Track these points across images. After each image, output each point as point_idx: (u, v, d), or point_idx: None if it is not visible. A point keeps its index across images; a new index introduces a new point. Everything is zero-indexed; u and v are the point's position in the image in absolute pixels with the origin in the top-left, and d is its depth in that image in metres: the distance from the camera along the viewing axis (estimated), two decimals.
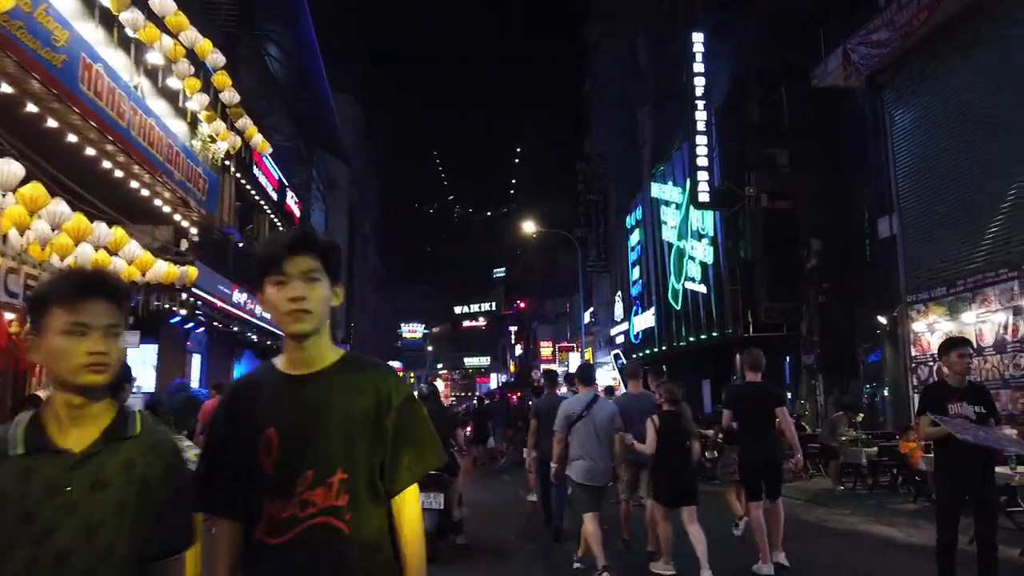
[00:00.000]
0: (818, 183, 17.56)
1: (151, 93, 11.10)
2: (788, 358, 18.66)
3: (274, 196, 20.53)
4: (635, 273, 26.55)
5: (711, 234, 18.79)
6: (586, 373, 7.00)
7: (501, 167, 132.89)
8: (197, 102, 11.57)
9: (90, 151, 9.42)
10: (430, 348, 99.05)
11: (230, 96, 11.63)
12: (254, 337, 19.30)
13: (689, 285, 20.25)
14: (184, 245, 13.79)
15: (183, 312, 14.53)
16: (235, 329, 17.64)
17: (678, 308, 21.49)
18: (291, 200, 22.89)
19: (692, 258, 19.93)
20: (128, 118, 9.85)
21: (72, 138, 8.94)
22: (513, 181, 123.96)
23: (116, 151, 9.85)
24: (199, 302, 14.88)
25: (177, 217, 12.71)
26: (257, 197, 19.17)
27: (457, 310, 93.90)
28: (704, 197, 17.67)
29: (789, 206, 18.04)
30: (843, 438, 11.58)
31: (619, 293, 29.88)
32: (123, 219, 12.64)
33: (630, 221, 26.95)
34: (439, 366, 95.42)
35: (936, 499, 4.89)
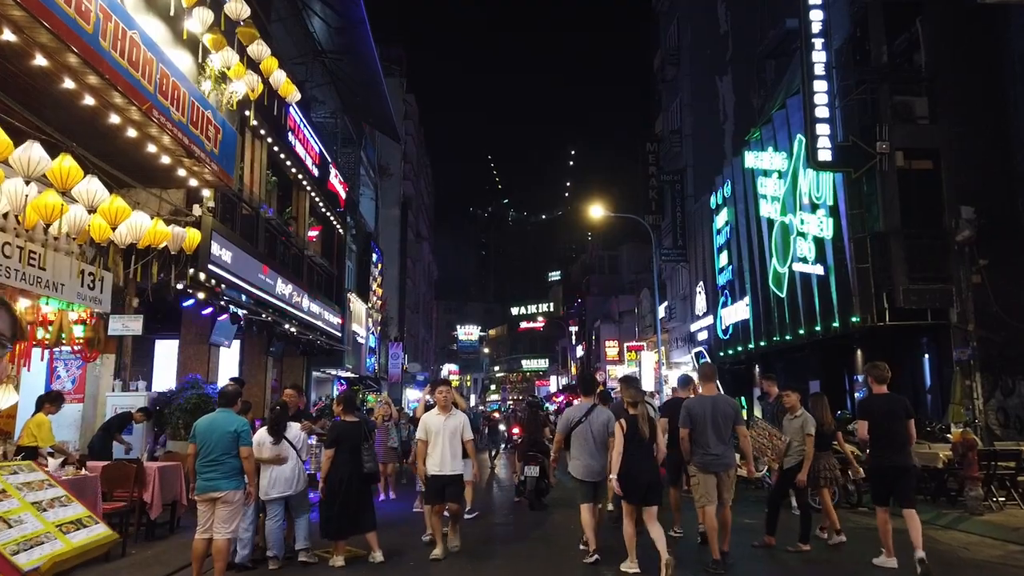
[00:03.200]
0: (969, 136, 14.20)
1: (136, 7, 8.66)
2: (928, 354, 15.25)
3: (314, 171, 18.11)
4: (722, 259, 23.23)
5: (829, 203, 15.51)
6: (587, 384, 7.83)
7: (556, 169, 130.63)
8: (198, 19, 9.08)
9: (41, 60, 6.97)
10: (486, 351, 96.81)
11: (237, 8, 9.07)
12: (292, 330, 16.81)
13: (799, 267, 16.93)
14: (197, 212, 11.37)
15: (200, 295, 12.07)
16: (267, 319, 15.16)
17: (782, 296, 18.19)
18: (335, 179, 20.47)
19: (802, 235, 16.64)
20: (96, 22, 7.36)
21: (9, 36, 6.51)
22: (567, 184, 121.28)
23: (82, 67, 7.38)
24: (223, 284, 12.44)
25: (182, 173, 10.25)
26: (294, 170, 16.76)
27: (514, 311, 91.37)
28: (825, 155, 14.42)
29: (931, 166, 14.71)
30: None
31: (701, 284, 26.58)
32: (126, 178, 10.33)
33: (715, 200, 23.65)
34: (495, 368, 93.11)
35: None
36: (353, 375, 23.09)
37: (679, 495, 8.46)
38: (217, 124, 10.72)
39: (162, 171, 10.11)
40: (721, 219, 23.23)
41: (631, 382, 8.50)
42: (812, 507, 7.74)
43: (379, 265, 28.99)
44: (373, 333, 27.49)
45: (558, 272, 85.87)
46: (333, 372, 22.54)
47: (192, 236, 9.18)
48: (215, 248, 11.80)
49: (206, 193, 11.23)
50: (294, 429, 7.27)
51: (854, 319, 14.74)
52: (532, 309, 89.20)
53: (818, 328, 16.40)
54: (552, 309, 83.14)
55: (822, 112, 14.51)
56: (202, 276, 11.52)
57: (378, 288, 28.28)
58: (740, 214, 21.16)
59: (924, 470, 10.83)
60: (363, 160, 27.61)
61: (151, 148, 9.25)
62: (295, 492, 7.02)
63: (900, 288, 14.07)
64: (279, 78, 10.60)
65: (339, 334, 20.71)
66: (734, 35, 26.35)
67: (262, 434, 7.09)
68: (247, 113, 12.60)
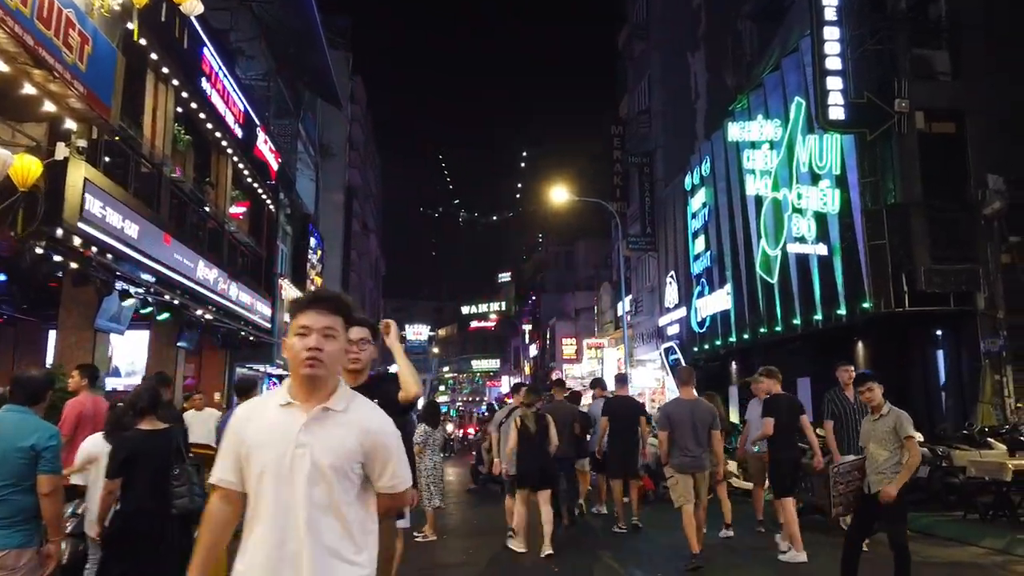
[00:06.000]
0: (997, 95, 12.43)
1: None
2: (944, 345, 13.41)
3: (237, 131, 15.36)
4: (698, 245, 21.25)
5: (836, 172, 13.57)
6: (514, 388, 10.37)
7: (508, 168, 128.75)
8: None
9: None
10: (435, 351, 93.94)
11: None
12: (208, 316, 14.05)
13: (795, 248, 14.96)
14: (62, 153, 8.66)
15: (73, 265, 9.39)
16: (173, 301, 12.40)
17: (773, 282, 16.22)
18: (264, 144, 17.69)
19: (800, 211, 14.68)
20: None
21: None
22: (519, 185, 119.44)
23: None
24: (109, 253, 9.74)
25: (32, 90, 7.55)
26: (210, 126, 14.00)
27: (465, 310, 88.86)
28: (837, 113, 12.47)
29: (953, 129, 12.91)
30: None
31: (672, 274, 24.58)
32: None
33: (690, 181, 21.64)
34: (445, 369, 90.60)
35: None
36: (286, 372, 20.33)
37: (631, 489, 8.93)
38: (86, 32, 8.05)
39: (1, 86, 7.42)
40: (697, 201, 21.24)
41: (531, 388, 9.66)
42: (905, 547, 5.52)
43: (319, 252, 26.20)
44: None
45: (508, 274, 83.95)
46: (261, 368, 19.77)
47: (26, 166, 6.54)
48: (90, 202, 9.08)
49: (72, 126, 8.55)
50: None
51: (865, 305, 12.82)
52: (484, 308, 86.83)
53: (817, 317, 14.46)
54: (504, 308, 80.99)
55: (833, 63, 12.57)
56: (77, 241, 8.87)
57: (317, 277, 25.49)
58: (721, 193, 19.19)
59: (976, 482, 8.89)
60: (301, 134, 24.78)
61: None
62: None
63: (922, 268, 12.19)
64: None
65: (268, 324, 17.97)
66: (707, 7, 24.51)
67: (97, 442, 4.57)
68: (140, 41, 9.89)
